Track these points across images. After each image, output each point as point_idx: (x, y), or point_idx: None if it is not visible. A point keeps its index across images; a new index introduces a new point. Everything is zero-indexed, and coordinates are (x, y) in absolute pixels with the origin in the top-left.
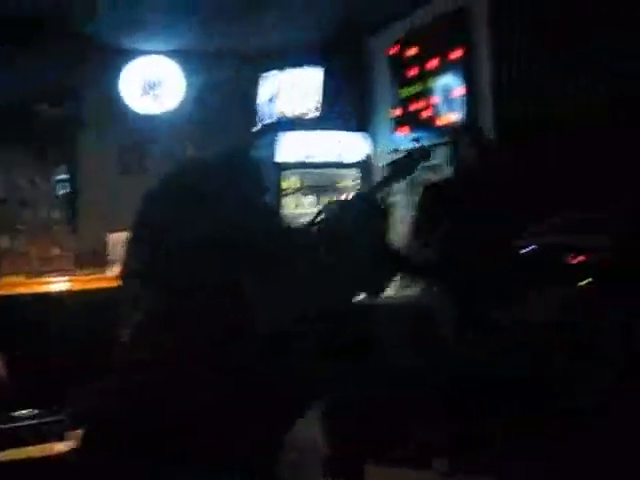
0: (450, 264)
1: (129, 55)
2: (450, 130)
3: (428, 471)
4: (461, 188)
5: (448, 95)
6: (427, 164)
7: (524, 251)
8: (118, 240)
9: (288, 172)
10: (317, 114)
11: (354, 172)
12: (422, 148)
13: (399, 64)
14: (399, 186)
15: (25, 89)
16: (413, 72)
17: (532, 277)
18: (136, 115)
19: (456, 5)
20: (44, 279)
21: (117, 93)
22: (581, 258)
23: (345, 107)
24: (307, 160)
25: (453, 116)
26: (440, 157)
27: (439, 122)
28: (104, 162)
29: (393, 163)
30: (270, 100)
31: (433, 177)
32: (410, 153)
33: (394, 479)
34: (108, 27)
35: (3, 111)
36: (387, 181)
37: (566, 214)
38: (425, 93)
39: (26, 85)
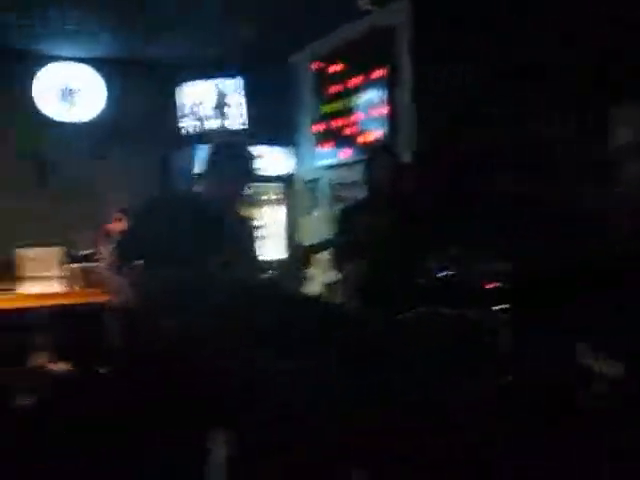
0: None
1: (44, 61)
2: (366, 149)
3: None
4: (373, 207)
5: (371, 113)
6: (345, 182)
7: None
8: (28, 256)
9: None
10: (238, 127)
11: (278, 186)
12: None
13: (322, 80)
14: (320, 201)
15: None
16: (336, 89)
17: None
18: (50, 124)
19: (382, 24)
20: None
21: (28, 99)
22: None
23: (268, 121)
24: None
25: (375, 134)
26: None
27: (361, 139)
28: (14, 173)
29: None
30: (191, 111)
31: (350, 194)
32: None
33: None
34: (22, 32)
35: None
36: None
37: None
38: (348, 110)
39: None
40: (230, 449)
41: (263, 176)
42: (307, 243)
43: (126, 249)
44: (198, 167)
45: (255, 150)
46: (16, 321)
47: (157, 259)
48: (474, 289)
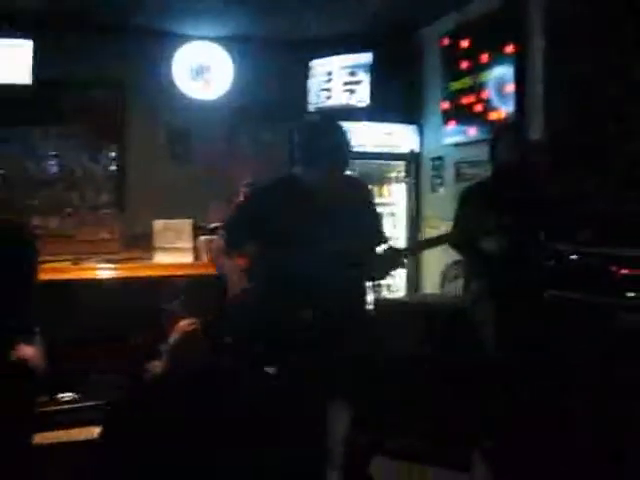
0: (493, 261)
1: (179, 41)
2: (492, 127)
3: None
4: (500, 186)
5: (499, 90)
6: (471, 159)
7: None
8: (163, 227)
9: None
10: (366, 104)
11: (402, 164)
12: None
13: (451, 56)
14: (446, 180)
15: (80, 74)
16: (465, 65)
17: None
18: (185, 101)
19: None
20: (89, 265)
21: (168, 78)
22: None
23: (395, 99)
24: (354, 150)
25: (504, 112)
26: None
27: (489, 117)
28: (152, 147)
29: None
30: (320, 88)
31: (476, 173)
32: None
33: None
34: (159, 14)
35: (58, 94)
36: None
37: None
38: (476, 87)
39: (81, 70)
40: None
41: (388, 154)
42: (429, 225)
43: (232, 235)
44: None
45: (380, 127)
46: (150, 289)
47: (267, 245)
48: (607, 274)
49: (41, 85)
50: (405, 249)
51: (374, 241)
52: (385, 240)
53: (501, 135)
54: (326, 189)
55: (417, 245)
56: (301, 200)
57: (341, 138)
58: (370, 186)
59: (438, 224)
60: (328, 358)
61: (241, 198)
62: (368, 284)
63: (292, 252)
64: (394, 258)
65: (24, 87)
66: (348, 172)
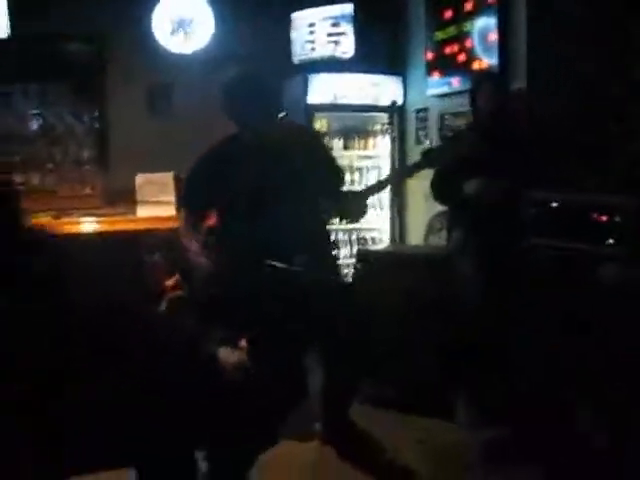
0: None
1: None
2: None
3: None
4: (478, 136)
5: (484, 39)
6: (455, 110)
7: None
8: (145, 181)
9: (318, 114)
10: (349, 55)
11: (386, 116)
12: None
13: (435, 5)
14: (430, 131)
15: (58, 28)
16: (449, 14)
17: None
18: (165, 54)
19: None
20: (72, 219)
21: (147, 31)
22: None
23: (379, 50)
24: (338, 102)
25: (487, 62)
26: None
27: (473, 67)
28: (133, 102)
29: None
30: (304, 40)
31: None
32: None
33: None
34: None
35: (37, 49)
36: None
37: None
38: (460, 36)
39: (59, 24)
40: None
41: (372, 106)
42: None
43: (189, 198)
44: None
45: (363, 78)
46: (134, 242)
47: (226, 209)
48: (586, 221)
49: (19, 40)
50: (371, 186)
51: (329, 180)
52: (342, 174)
53: (480, 85)
54: (262, 140)
55: (389, 177)
56: (242, 157)
57: (258, 88)
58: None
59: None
60: (306, 307)
61: None
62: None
63: (251, 210)
64: (356, 200)
65: (2, 42)
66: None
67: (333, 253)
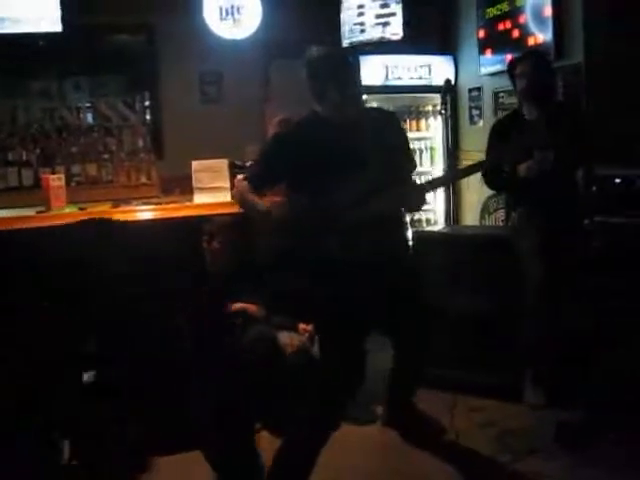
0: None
1: None
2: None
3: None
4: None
5: (538, 14)
6: (509, 88)
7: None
8: (201, 167)
9: (369, 97)
10: (399, 36)
11: (438, 97)
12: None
13: None
14: (484, 111)
15: (108, 19)
16: None
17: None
18: (215, 41)
19: None
20: (130, 207)
21: (197, 18)
22: None
23: (429, 30)
24: (390, 84)
25: (541, 37)
26: None
27: (527, 43)
28: (185, 90)
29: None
30: (352, 22)
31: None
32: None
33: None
34: None
35: (89, 41)
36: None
37: None
38: (512, 12)
39: (111, 16)
40: None
41: (424, 86)
42: (468, 158)
43: (257, 181)
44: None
45: (414, 58)
46: (193, 228)
47: (301, 186)
48: None
49: (72, 32)
50: (432, 181)
51: (404, 165)
52: (415, 163)
53: (521, 62)
54: (348, 121)
55: (447, 176)
56: (327, 134)
57: (345, 65)
58: (400, 117)
59: (477, 157)
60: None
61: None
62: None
63: (333, 186)
64: (420, 192)
65: (54, 35)
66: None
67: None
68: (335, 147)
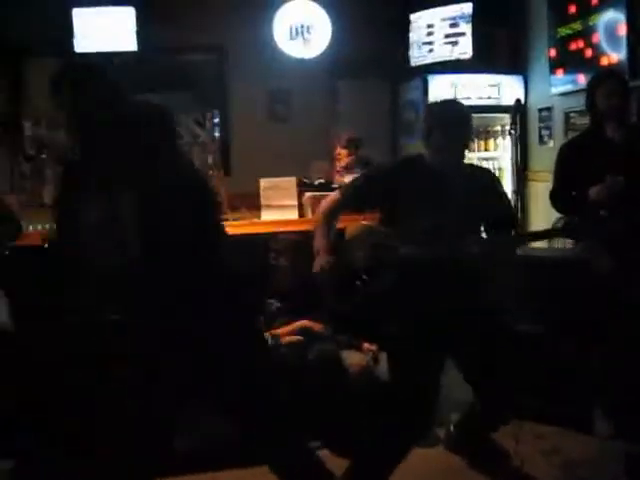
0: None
1: (277, 1)
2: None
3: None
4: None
5: (611, 33)
6: (581, 108)
7: None
8: (269, 185)
9: None
10: (468, 56)
11: (508, 116)
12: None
13: (558, 0)
14: (555, 131)
15: (181, 39)
16: (573, 8)
17: None
18: (284, 60)
19: None
20: None
21: (266, 38)
22: None
23: (499, 49)
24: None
25: (615, 56)
26: None
27: (600, 62)
28: (253, 108)
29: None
30: (421, 42)
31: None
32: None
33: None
34: None
35: (162, 61)
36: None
37: None
38: (585, 32)
39: (182, 36)
40: None
41: (493, 106)
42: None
43: (359, 195)
44: (428, 98)
45: (484, 78)
46: (260, 246)
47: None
48: None
49: (145, 52)
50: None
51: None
52: (516, 220)
53: (598, 82)
54: (454, 171)
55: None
56: (430, 180)
57: (462, 118)
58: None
59: (547, 177)
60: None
61: (341, 153)
62: None
63: (420, 230)
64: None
65: (130, 54)
66: None
67: None
68: (433, 191)
